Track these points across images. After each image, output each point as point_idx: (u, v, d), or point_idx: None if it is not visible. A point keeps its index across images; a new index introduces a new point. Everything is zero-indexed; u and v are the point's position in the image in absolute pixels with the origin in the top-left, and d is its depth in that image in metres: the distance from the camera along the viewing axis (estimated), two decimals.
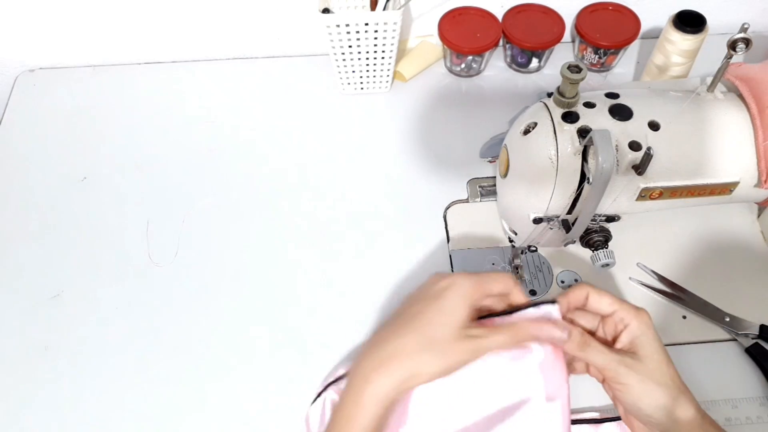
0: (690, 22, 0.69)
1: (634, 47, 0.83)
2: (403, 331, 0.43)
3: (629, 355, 0.44)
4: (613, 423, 0.55)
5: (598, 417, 0.56)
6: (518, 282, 0.47)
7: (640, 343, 0.45)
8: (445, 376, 0.42)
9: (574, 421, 0.55)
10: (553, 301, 0.46)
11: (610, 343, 0.46)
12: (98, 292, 0.65)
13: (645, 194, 0.52)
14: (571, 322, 0.47)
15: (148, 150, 0.77)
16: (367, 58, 0.75)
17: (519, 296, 0.47)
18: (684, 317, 0.62)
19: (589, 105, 0.51)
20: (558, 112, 0.51)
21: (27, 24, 0.79)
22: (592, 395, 0.54)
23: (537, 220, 0.54)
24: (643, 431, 0.46)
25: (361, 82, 0.79)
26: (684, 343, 0.60)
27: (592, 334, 0.47)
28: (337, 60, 0.75)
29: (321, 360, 0.60)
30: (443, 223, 0.69)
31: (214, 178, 0.74)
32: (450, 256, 0.67)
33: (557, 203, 0.52)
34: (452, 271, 0.65)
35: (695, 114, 0.52)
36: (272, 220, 0.70)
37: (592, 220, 0.55)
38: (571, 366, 0.48)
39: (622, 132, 0.50)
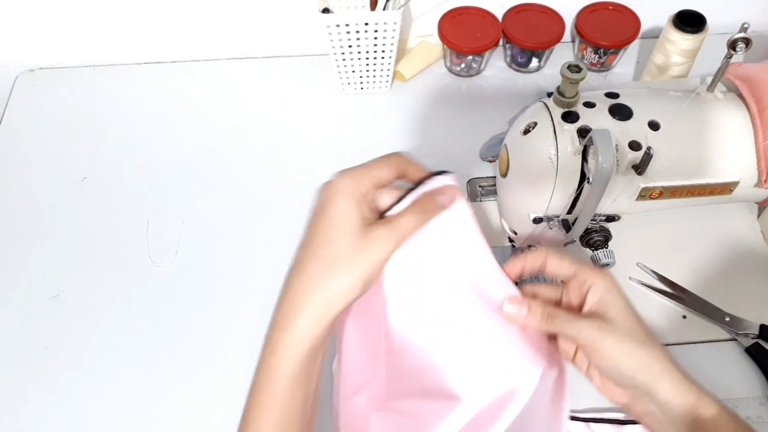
0: (690, 21, 0.69)
1: (634, 47, 0.83)
2: (302, 264, 0.40)
3: (599, 318, 0.42)
4: (637, 426, 0.54)
5: (622, 418, 0.55)
6: (410, 157, 0.43)
7: (609, 302, 0.43)
8: (370, 284, 0.40)
9: (597, 420, 0.55)
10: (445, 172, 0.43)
11: (576, 310, 0.45)
12: (98, 292, 0.65)
13: (645, 194, 0.52)
14: (533, 296, 0.45)
15: (148, 150, 0.77)
16: (367, 58, 0.75)
17: (416, 171, 0.43)
18: (684, 317, 0.62)
19: (589, 105, 0.51)
20: (558, 112, 0.51)
21: (27, 24, 0.79)
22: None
23: (537, 220, 0.54)
24: (624, 397, 0.44)
25: (361, 82, 0.79)
26: (684, 343, 0.60)
27: (557, 305, 0.45)
28: (337, 60, 0.75)
29: None
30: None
31: (214, 178, 0.74)
32: None
33: (557, 203, 0.52)
34: None
35: (695, 114, 0.52)
36: (272, 219, 0.70)
37: (592, 220, 0.55)
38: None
39: (622, 132, 0.50)
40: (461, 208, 0.44)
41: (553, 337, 0.47)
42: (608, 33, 0.77)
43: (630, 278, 0.64)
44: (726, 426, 0.41)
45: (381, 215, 0.43)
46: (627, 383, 0.42)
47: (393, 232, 0.40)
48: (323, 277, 0.39)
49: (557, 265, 0.45)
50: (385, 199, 0.43)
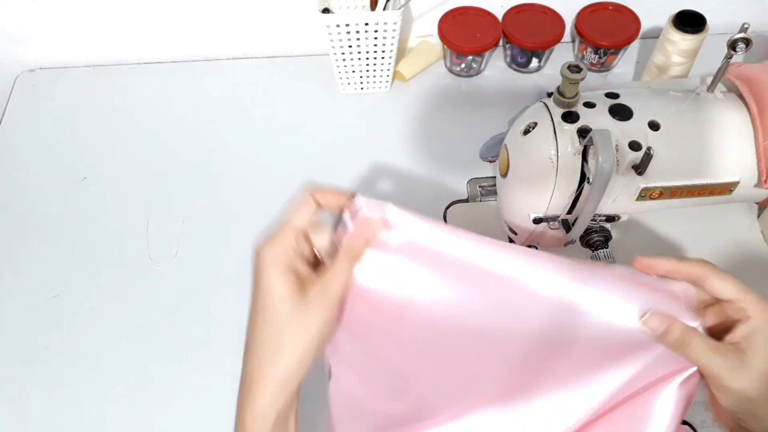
0: (690, 22, 0.69)
1: (634, 47, 0.83)
2: (251, 345, 0.40)
3: (736, 354, 0.38)
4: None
5: None
6: (321, 186, 0.41)
7: (756, 343, 0.38)
8: (323, 345, 0.39)
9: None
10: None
11: (715, 332, 0.40)
12: (98, 292, 0.66)
13: (645, 194, 0.52)
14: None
15: (148, 150, 0.77)
16: (367, 58, 0.75)
17: (333, 198, 0.42)
18: None
19: (589, 105, 0.51)
20: (558, 112, 0.51)
21: (27, 24, 0.79)
22: None
23: (537, 220, 0.54)
24: (731, 423, 0.41)
25: (361, 82, 0.79)
26: None
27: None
28: (337, 60, 0.75)
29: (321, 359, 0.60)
30: (443, 222, 0.69)
31: (214, 178, 0.74)
32: None
33: (557, 203, 0.52)
34: None
35: (695, 114, 0.52)
36: (272, 219, 0.70)
37: (592, 220, 0.55)
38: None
39: (622, 132, 0.50)
40: (403, 220, 0.42)
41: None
42: (608, 33, 0.77)
43: None
44: None
45: (320, 258, 0.42)
46: (739, 417, 0.40)
47: (325, 291, 0.39)
48: (271, 358, 0.39)
49: (719, 286, 0.40)
50: (319, 240, 0.43)
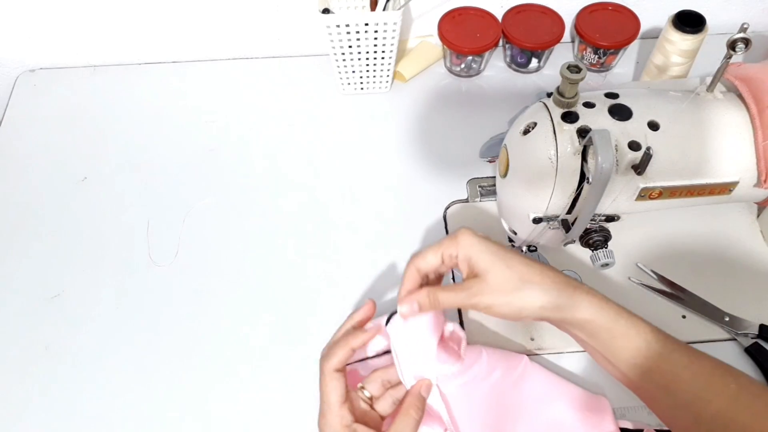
0: (689, 22, 0.69)
1: (634, 47, 0.83)
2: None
3: (475, 281, 0.45)
4: None
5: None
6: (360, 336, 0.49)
7: (473, 263, 0.45)
8: None
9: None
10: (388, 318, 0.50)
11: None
12: (98, 292, 0.66)
13: (644, 194, 0.52)
14: (422, 285, 0.49)
15: (148, 150, 0.77)
16: (367, 58, 0.75)
17: (360, 338, 0.49)
18: (683, 317, 0.62)
19: (589, 105, 0.51)
20: (557, 112, 0.51)
21: (27, 24, 0.80)
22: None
23: (537, 220, 0.55)
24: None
25: (361, 82, 0.79)
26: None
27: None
28: (337, 60, 0.75)
29: None
30: (443, 223, 0.69)
31: (214, 178, 0.74)
32: None
33: (557, 203, 0.52)
34: (452, 273, 0.65)
35: (695, 114, 0.52)
36: (272, 220, 0.71)
37: (591, 220, 0.55)
38: None
39: (621, 132, 0.50)
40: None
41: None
42: (608, 33, 0.77)
43: (629, 278, 0.64)
44: (598, 320, 0.45)
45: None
46: (518, 320, 0.49)
47: None
48: None
49: (425, 264, 0.48)
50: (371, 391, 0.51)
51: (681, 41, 0.70)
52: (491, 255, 0.45)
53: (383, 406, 0.50)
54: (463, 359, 0.52)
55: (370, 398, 0.50)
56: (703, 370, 0.44)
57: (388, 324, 0.50)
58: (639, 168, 0.49)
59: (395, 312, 0.49)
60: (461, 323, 0.62)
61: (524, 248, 0.62)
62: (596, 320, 0.45)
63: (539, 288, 0.45)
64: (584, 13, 0.80)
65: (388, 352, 0.52)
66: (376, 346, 0.53)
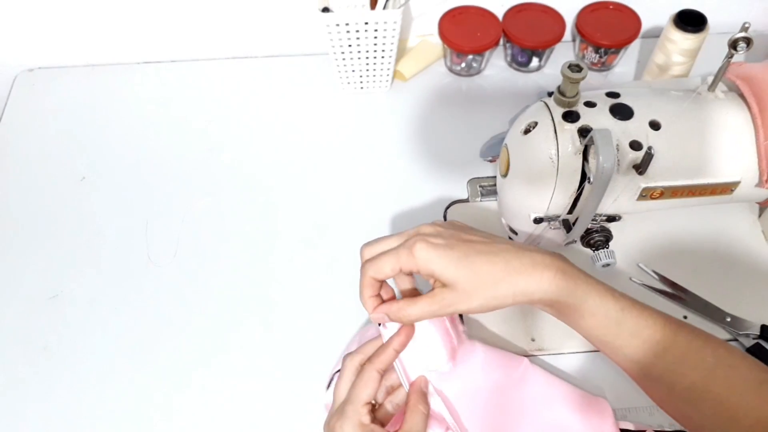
0: (691, 21, 0.69)
1: (635, 46, 0.82)
2: None
3: (446, 291, 0.45)
4: None
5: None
6: (382, 360, 0.48)
7: (440, 276, 0.45)
8: None
9: None
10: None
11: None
12: (97, 292, 0.65)
13: (646, 194, 0.52)
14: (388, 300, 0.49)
15: (148, 150, 0.76)
16: (367, 58, 0.75)
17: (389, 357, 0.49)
18: (685, 317, 0.62)
19: (590, 104, 0.51)
20: (558, 112, 0.51)
21: (26, 24, 0.79)
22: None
23: (537, 220, 0.54)
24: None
25: (361, 82, 0.79)
26: None
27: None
28: (336, 59, 0.75)
29: (321, 358, 0.60)
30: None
31: (213, 178, 0.74)
32: None
33: (558, 203, 0.52)
34: None
35: (696, 113, 0.52)
36: (271, 220, 0.70)
37: (592, 220, 0.55)
38: None
39: (622, 131, 0.50)
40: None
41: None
42: (609, 32, 0.77)
43: (631, 279, 0.64)
44: (565, 295, 0.45)
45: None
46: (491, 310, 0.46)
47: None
48: None
49: (380, 273, 0.47)
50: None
51: (682, 40, 0.69)
52: (454, 265, 0.44)
53: (382, 413, 0.50)
54: (455, 358, 0.52)
55: (376, 405, 0.50)
56: (679, 344, 0.44)
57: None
58: (640, 168, 0.49)
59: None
60: (462, 320, 0.62)
61: None
62: (563, 295, 0.45)
63: (506, 283, 0.45)
64: (585, 12, 0.80)
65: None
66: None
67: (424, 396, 0.49)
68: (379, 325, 0.50)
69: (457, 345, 0.53)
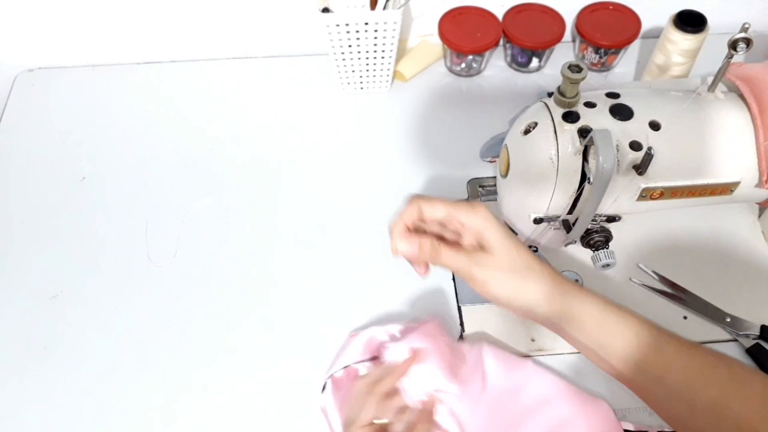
0: (691, 21, 0.69)
1: (635, 47, 0.83)
2: None
3: (481, 252, 0.45)
4: None
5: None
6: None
7: (485, 237, 0.45)
8: None
9: None
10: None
11: (459, 246, 0.47)
12: (97, 292, 0.65)
13: (646, 194, 0.52)
14: (424, 233, 0.47)
15: (148, 150, 0.76)
16: (367, 58, 0.75)
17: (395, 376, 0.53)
18: (685, 318, 0.62)
19: (590, 105, 0.51)
20: (558, 112, 0.51)
21: (26, 24, 0.79)
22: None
23: (537, 221, 0.54)
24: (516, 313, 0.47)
25: (361, 82, 0.79)
26: None
27: (441, 239, 0.47)
28: (336, 59, 0.75)
29: (320, 358, 0.60)
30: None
31: (213, 178, 0.74)
32: None
33: (558, 203, 0.52)
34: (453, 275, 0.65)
35: (696, 114, 0.52)
36: (271, 220, 0.70)
37: (592, 221, 0.55)
38: None
39: (622, 132, 0.50)
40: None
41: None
42: (609, 33, 0.77)
43: (631, 279, 0.64)
44: (588, 315, 0.45)
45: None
46: (506, 306, 0.46)
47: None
48: None
49: (431, 211, 0.46)
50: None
51: (682, 41, 0.69)
52: (504, 234, 0.45)
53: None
54: (463, 379, 0.55)
55: (386, 425, 0.52)
56: (695, 360, 0.44)
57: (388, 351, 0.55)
58: (640, 168, 0.49)
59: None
60: (461, 322, 0.62)
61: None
62: (586, 315, 0.45)
63: (539, 276, 0.45)
64: (585, 13, 0.80)
65: (373, 358, 0.57)
66: (355, 354, 0.58)
67: (430, 415, 0.52)
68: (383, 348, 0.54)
69: (458, 366, 0.55)
